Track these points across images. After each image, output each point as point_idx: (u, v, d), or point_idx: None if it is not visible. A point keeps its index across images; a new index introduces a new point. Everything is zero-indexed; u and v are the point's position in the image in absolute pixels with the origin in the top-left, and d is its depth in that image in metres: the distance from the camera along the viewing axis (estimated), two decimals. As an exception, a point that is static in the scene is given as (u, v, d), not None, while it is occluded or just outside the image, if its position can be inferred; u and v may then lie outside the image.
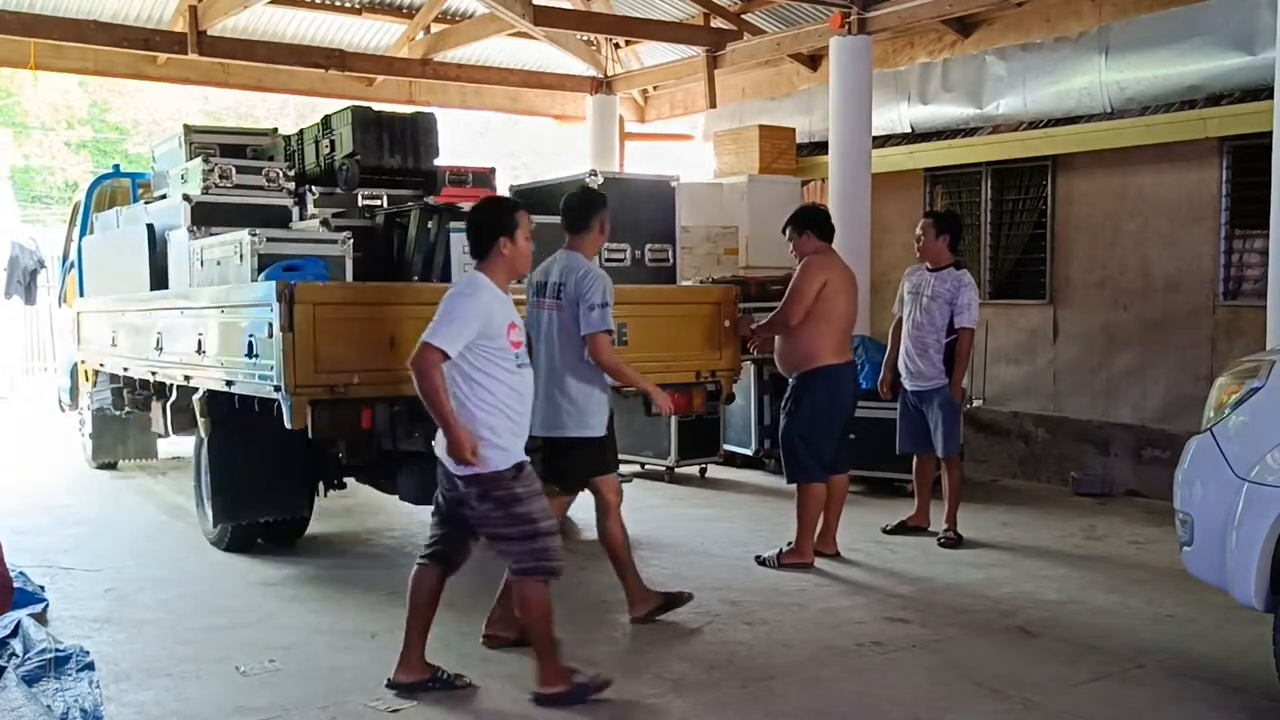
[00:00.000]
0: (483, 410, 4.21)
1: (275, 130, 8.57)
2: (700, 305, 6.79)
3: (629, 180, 7.39)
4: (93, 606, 5.65)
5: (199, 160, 7.20)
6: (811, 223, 6.44)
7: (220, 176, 7.13)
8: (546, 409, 5.00)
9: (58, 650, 4.51)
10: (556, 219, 6.68)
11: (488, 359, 4.21)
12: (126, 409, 8.50)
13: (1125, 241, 8.99)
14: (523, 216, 4.45)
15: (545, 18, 10.19)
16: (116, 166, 11.16)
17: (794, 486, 6.44)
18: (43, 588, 5.74)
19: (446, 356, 4.12)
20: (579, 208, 5.28)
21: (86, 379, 9.19)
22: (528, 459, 4.36)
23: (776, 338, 6.48)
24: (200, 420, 6.53)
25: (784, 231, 6.52)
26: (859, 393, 6.70)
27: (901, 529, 7.19)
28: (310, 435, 5.59)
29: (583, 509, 7.83)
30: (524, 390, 4.35)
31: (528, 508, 4.27)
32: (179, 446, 9.01)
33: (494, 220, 4.41)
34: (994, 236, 9.94)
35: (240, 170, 7.22)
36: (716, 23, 11.36)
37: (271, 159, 7.84)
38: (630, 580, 5.34)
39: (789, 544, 6.40)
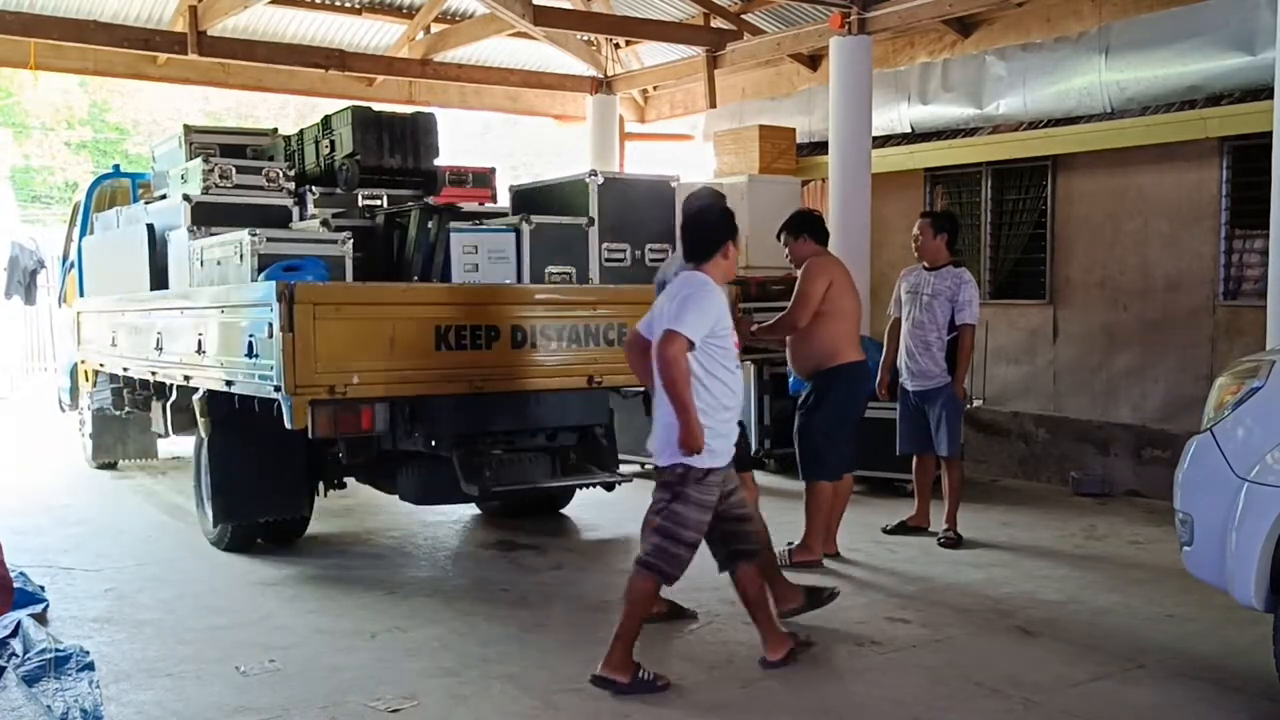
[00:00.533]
0: (703, 411, 4.35)
1: (275, 130, 8.56)
2: (700, 305, 6.79)
3: (629, 180, 7.39)
4: (93, 606, 5.65)
5: (199, 160, 7.19)
6: (808, 226, 6.45)
7: (220, 176, 7.12)
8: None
9: (58, 650, 4.51)
10: (557, 219, 6.76)
11: (712, 357, 4.40)
12: (126, 409, 8.51)
13: (1125, 241, 8.99)
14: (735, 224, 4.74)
15: (545, 18, 10.18)
16: (116, 166, 11.16)
17: (792, 485, 6.44)
18: (43, 588, 5.74)
19: (692, 345, 4.29)
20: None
21: (86, 379, 9.19)
22: (722, 466, 4.49)
23: (789, 339, 6.49)
24: (200, 420, 6.53)
25: (779, 237, 6.53)
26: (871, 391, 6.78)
27: (901, 529, 7.19)
28: (310, 435, 5.60)
29: (583, 509, 7.86)
30: (739, 389, 4.56)
31: (686, 513, 4.42)
32: (179, 446, 9.01)
33: (722, 225, 4.65)
34: (994, 236, 9.93)
35: (240, 170, 7.22)
36: (716, 23, 11.37)
37: (271, 159, 7.84)
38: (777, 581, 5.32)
39: (796, 542, 6.40)
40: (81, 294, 9.43)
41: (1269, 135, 6.74)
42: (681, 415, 4.28)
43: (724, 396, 4.45)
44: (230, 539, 6.69)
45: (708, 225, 4.66)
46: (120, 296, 8.15)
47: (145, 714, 4.23)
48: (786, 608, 5.16)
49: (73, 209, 10.67)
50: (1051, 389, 9.49)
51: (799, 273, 6.37)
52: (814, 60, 11.80)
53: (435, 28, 12.05)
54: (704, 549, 6.81)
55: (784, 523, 6.72)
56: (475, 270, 6.51)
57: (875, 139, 10.05)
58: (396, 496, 6.66)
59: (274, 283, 5.50)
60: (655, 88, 13.93)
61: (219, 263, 6.54)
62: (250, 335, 5.72)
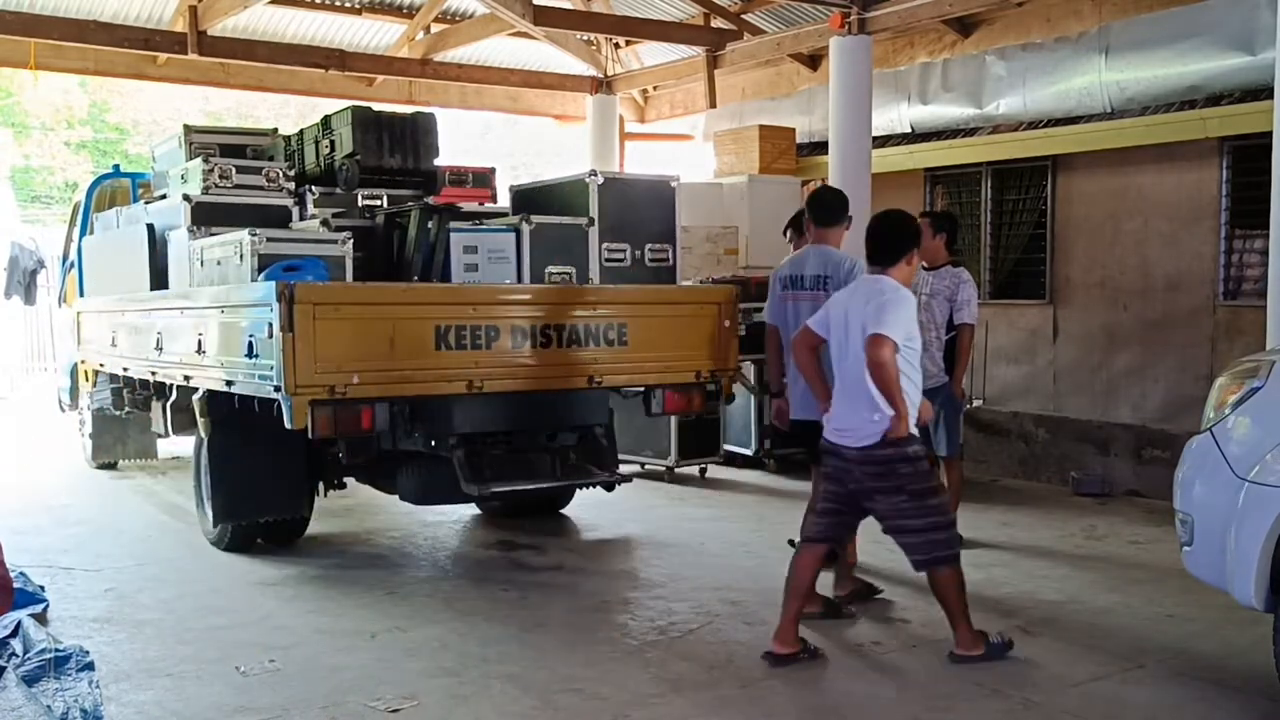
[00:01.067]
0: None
1: (275, 130, 8.55)
2: (700, 305, 6.80)
3: (629, 180, 7.38)
4: (93, 606, 5.65)
5: (199, 160, 7.19)
6: None
7: (220, 176, 7.12)
8: (805, 395, 5.24)
9: (58, 650, 4.51)
10: (557, 219, 6.75)
11: (904, 358, 4.63)
12: (126, 409, 8.50)
13: (1125, 241, 8.99)
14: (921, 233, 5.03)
15: (545, 18, 10.18)
16: (116, 166, 11.16)
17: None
18: (43, 588, 5.74)
19: (896, 348, 4.55)
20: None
21: (86, 379, 9.18)
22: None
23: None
24: (200, 420, 6.53)
25: (785, 233, 6.52)
26: None
27: (901, 529, 7.18)
28: (310, 435, 5.59)
29: (583, 509, 7.85)
30: (921, 386, 4.83)
31: (939, 499, 4.78)
32: (179, 446, 9.01)
33: (912, 233, 4.89)
34: (994, 236, 9.94)
35: (240, 170, 7.21)
36: (716, 23, 11.36)
37: (271, 159, 7.83)
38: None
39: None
40: (81, 294, 9.42)
41: (1269, 135, 6.74)
42: (894, 404, 4.54)
43: (914, 394, 4.70)
44: (230, 539, 6.69)
45: (898, 231, 4.87)
46: (120, 296, 8.14)
47: (145, 714, 4.23)
48: (806, 610, 5.15)
49: (73, 209, 10.67)
50: (1051, 389, 9.49)
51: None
52: (814, 60, 11.80)
53: (435, 28, 12.05)
54: (713, 552, 6.83)
55: (784, 522, 6.74)
56: (475, 270, 6.50)
57: (875, 139, 10.05)
58: (396, 496, 6.66)
59: (274, 283, 5.50)
60: (655, 88, 13.93)
61: (219, 263, 6.53)
62: (250, 335, 5.72)
